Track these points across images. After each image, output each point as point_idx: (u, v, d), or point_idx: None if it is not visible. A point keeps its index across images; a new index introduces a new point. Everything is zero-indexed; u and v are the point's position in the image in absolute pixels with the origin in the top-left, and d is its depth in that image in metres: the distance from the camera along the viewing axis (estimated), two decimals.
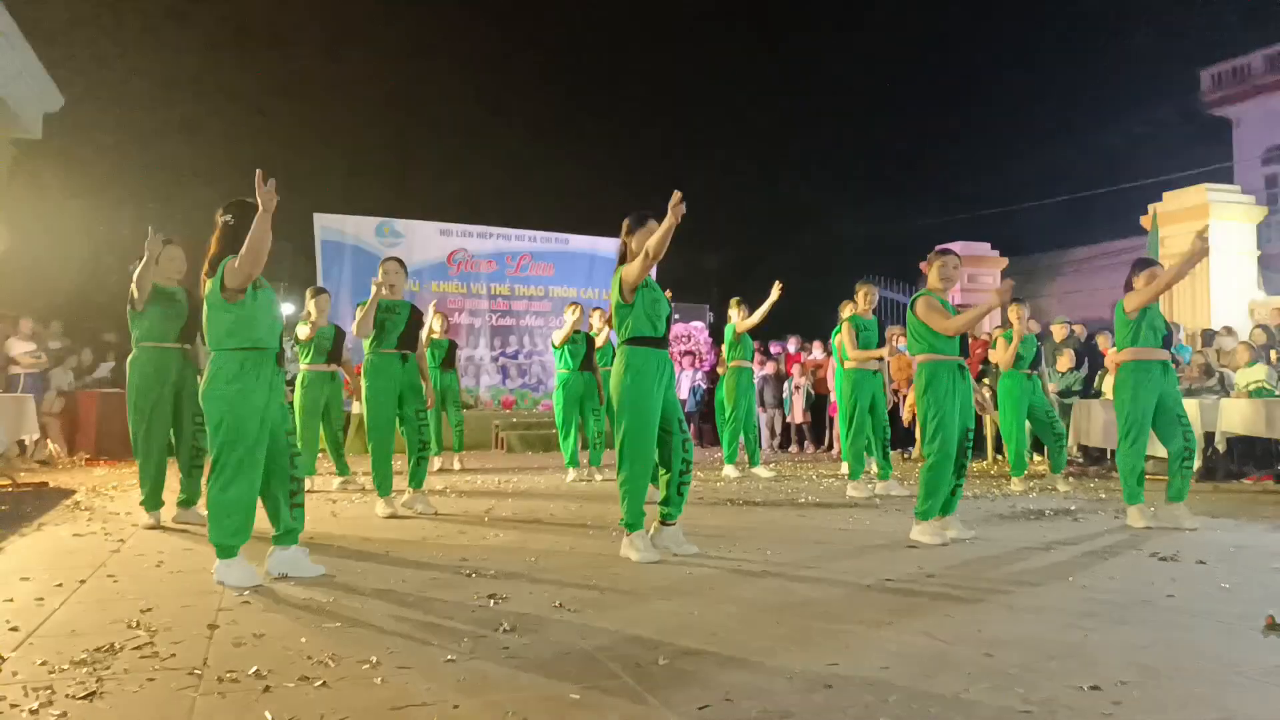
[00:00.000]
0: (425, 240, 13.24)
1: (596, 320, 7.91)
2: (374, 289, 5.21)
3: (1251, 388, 7.47)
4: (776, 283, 7.15)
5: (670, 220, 3.70)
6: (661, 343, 4.01)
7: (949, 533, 4.39)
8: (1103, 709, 2.04)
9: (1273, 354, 8.42)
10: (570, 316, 7.31)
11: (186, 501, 5.01)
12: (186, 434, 4.94)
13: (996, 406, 8.21)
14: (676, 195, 3.68)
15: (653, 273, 4.07)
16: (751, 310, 7.53)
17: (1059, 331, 9.24)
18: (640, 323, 3.97)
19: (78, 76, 11.96)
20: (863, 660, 2.42)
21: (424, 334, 8.51)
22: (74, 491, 6.39)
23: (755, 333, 8.09)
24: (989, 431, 9.73)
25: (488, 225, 14.08)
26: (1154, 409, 4.88)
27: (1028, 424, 7.00)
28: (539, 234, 14.36)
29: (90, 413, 9.62)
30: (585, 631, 2.72)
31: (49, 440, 8.85)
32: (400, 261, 5.51)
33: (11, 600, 3.09)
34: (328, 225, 12.79)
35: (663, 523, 4.03)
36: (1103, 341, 9.19)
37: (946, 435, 4.33)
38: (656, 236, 3.76)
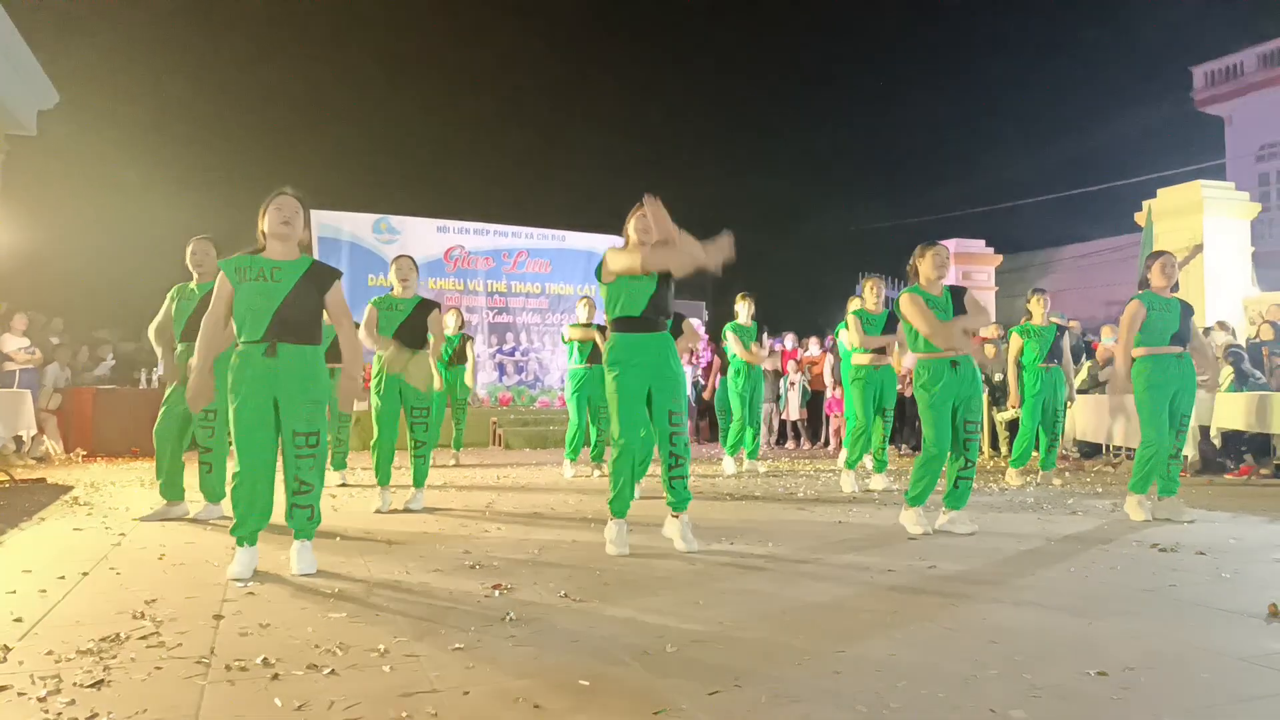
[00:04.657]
0: (422, 237, 13.23)
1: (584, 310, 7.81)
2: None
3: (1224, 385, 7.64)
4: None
5: (706, 259, 3.62)
6: (643, 322, 3.89)
7: (955, 529, 4.45)
8: (1111, 694, 2.06)
9: None
10: (582, 311, 7.40)
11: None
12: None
13: (994, 400, 8.22)
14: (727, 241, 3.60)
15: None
16: (759, 301, 7.66)
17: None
18: (618, 303, 3.91)
19: (73, 73, 11.91)
20: (869, 647, 2.43)
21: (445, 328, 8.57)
22: (72, 487, 6.37)
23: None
24: (985, 426, 9.77)
25: (484, 222, 14.07)
26: (1169, 401, 4.91)
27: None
28: (535, 231, 14.35)
29: (87, 409, 9.59)
30: (591, 620, 2.72)
31: (45, 436, 8.81)
32: (412, 259, 5.48)
33: (14, 592, 3.08)
34: (325, 222, 12.77)
35: (671, 513, 4.03)
36: (1105, 332, 9.25)
37: (939, 431, 4.48)
38: (677, 258, 3.69)
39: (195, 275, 5.01)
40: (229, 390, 3.45)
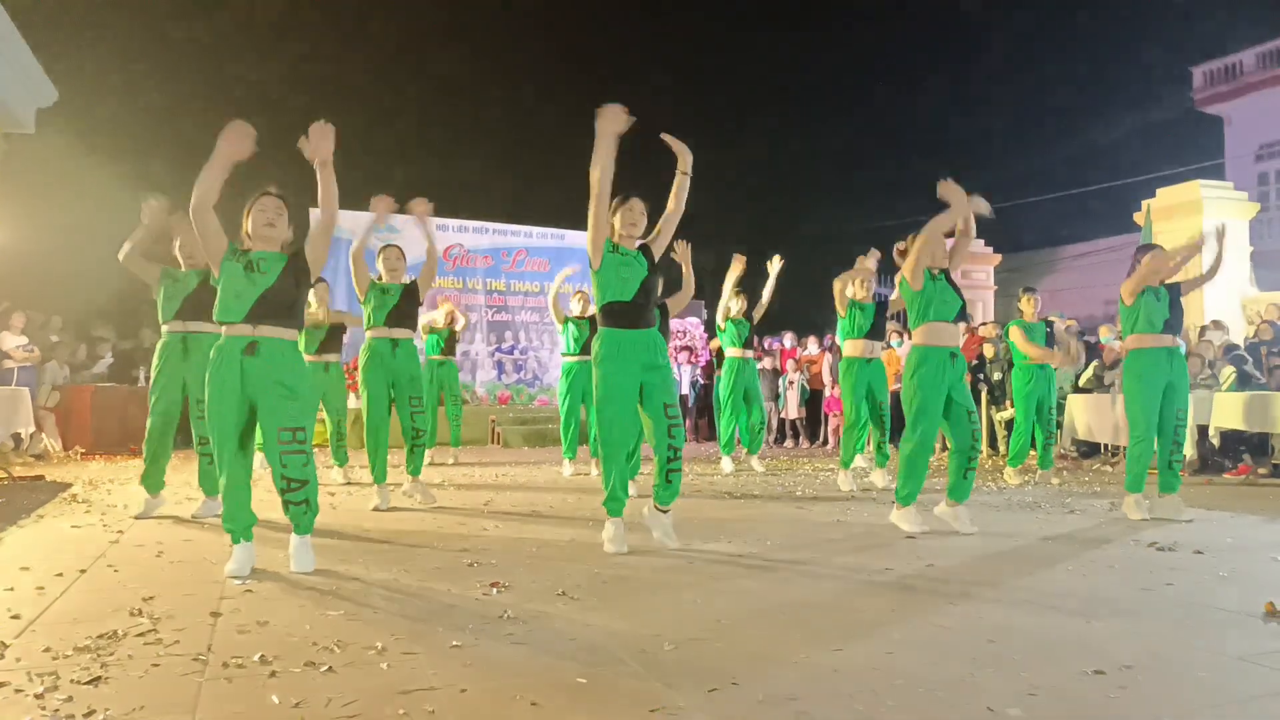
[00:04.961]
0: (421, 235, 13.21)
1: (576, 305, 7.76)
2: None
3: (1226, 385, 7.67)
4: (776, 257, 7.12)
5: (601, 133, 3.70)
6: (634, 310, 3.86)
7: (956, 525, 4.43)
8: (1108, 693, 2.06)
9: None
10: (576, 304, 7.38)
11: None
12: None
13: (993, 399, 8.20)
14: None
15: (633, 245, 3.96)
16: (751, 299, 7.49)
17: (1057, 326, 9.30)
18: (609, 289, 3.86)
19: (72, 72, 11.90)
20: (867, 647, 2.42)
21: (432, 320, 8.57)
22: (70, 485, 6.36)
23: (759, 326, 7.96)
24: (983, 425, 9.77)
25: (483, 220, 14.07)
26: (1162, 395, 4.89)
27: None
28: (535, 229, 14.35)
29: (85, 407, 9.59)
30: (589, 619, 2.72)
31: (43, 434, 8.81)
32: (399, 249, 5.56)
33: (12, 589, 3.08)
34: None
35: (655, 506, 4.01)
36: (1103, 332, 9.27)
37: (927, 422, 4.42)
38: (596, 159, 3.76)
39: (183, 265, 4.97)
40: (205, 382, 3.44)
